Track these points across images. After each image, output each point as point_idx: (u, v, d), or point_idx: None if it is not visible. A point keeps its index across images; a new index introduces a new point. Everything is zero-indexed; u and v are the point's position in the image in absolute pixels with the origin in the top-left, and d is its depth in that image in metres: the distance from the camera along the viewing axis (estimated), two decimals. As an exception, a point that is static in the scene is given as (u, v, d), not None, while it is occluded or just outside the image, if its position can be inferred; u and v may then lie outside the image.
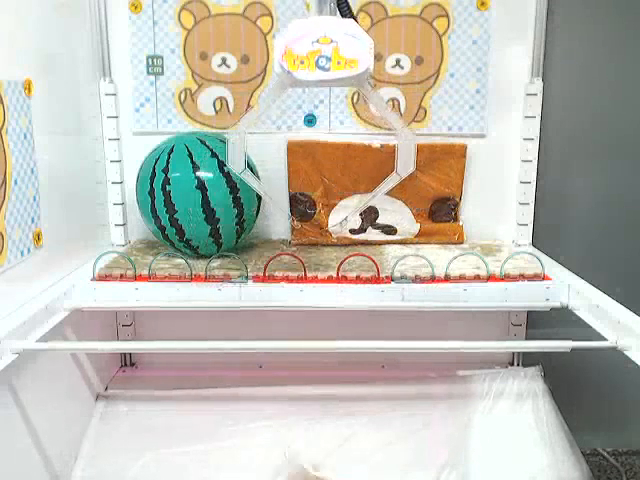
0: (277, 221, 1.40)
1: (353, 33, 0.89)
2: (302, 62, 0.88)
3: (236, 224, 1.21)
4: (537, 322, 1.44)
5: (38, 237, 1.05)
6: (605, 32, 1.36)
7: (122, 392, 1.35)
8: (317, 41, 0.88)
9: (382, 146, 1.34)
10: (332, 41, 0.88)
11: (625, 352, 0.90)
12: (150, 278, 1.14)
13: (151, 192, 1.18)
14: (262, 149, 1.33)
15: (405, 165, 0.98)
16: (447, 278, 1.15)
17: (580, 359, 1.41)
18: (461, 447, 1.24)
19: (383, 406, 1.31)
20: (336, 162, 1.36)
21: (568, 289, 1.12)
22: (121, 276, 1.15)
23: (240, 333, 1.32)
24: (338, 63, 0.88)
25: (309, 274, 1.15)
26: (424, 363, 1.39)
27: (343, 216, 1.39)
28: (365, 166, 1.36)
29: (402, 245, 1.37)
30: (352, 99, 1.35)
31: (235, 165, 0.99)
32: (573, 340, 0.92)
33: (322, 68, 0.88)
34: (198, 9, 1.30)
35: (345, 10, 0.94)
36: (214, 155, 1.18)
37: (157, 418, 1.28)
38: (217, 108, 1.35)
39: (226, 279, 1.14)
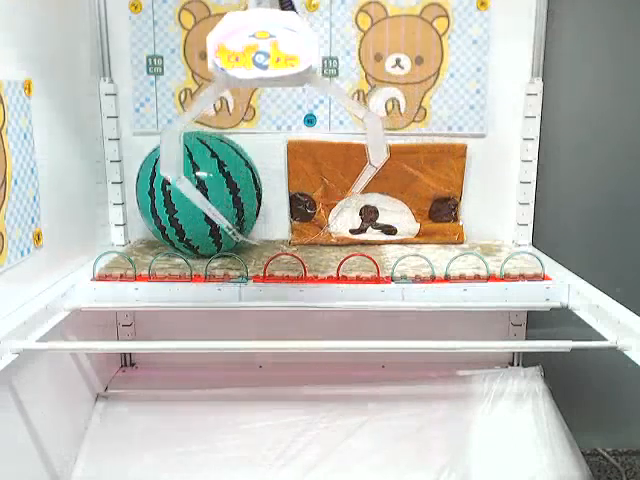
0: (277, 221, 1.40)
1: (294, 27, 0.80)
2: (237, 59, 0.79)
3: (236, 224, 1.21)
4: (537, 322, 1.44)
5: (38, 237, 1.05)
6: (605, 32, 1.36)
7: (122, 392, 1.35)
8: (253, 35, 0.79)
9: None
10: (270, 36, 0.79)
11: (625, 352, 0.90)
12: (150, 278, 1.14)
13: (151, 192, 1.18)
14: (262, 149, 1.33)
15: (377, 154, 0.91)
16: (447, 278, 1.15)
17: (580, 359, 1.42)
18: (461, 447, 1.24)
19: (383, 406, 1.31)
20: (336, 162, 1.36)
21: (568, 289, 1.12)
22: (121, 276, 1.15)
23: (240, 333, 1.32)
24: (277, 60, 0.79)
25: (309, 274, 1.15)
26: (424, 363, 1.39)
27: (343, 216, 1.39)
28: (365, 166, 1.35)
29: (402, 245, 1.37)
30: (352, 99, 1.35)
31: (168, 170, 0.85)
32: (573, 340, 0.92)
33: (260, 65, 0.79)
34: (198, 9, 1.30)
35: (286, 2, 0.86)
36: (214, 155, 1.18)
37: (157, 418, 1.28)
38: (217, 108, 1.35)
39: (226, 279, 1.14)
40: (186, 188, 0.89)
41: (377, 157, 0.90)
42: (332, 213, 1.38)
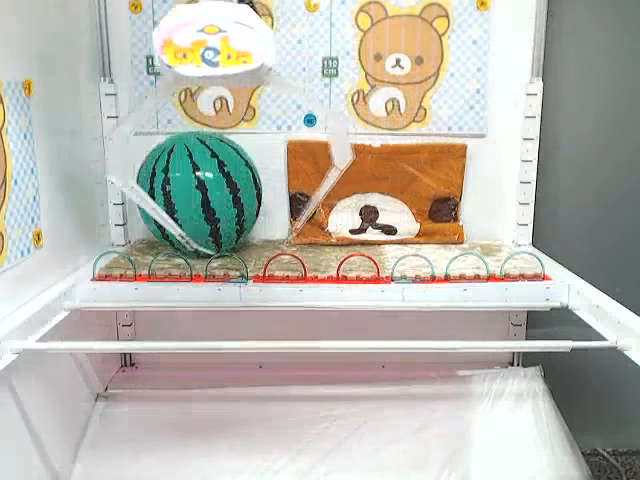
0: (277, 221, 1.40)
1: (246, 21, 0.75)
2: (185, 55, 0.74)
3: (236, 224, 1.21)
4: (537, 322, 1.44)
5: (38, 237, 1.05)
6: (605, 32, 1.36)
7: (122, 392, 1.35)
8: (202, 30, 0.74)
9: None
10: (220, 31, 0.74)
11: (625, 352, 0.90)
12: (150, 278, 1.14)
13: (151, 192, 1.18)
14: (262, 149, 1.33)
15: (342, 156, 0.86)
16: (447, 278, 1.15)
17: (580, 359, 1.42)
18: (461, 447, 1.24)
19: (383, 406, 1.31)
20: (336, 162, 1.36)
21: (568, 289, 1.12)
22: (121, 276, 1.15)
23: (240, 333, 1.32)
24: (228, 57, 0.74)
25: (309, 274, 1.15)
26: (424, 363, 1.40)
27: (343, 216, 1.39)
28: (365, 166, 1.36)
29: (402, 245, 1.37)
30: (352, 99, 1.35)
31: (116, 174, 0.81)
32: (573, 340, 0.92)
33: (209, 62, 0.74)
34: (198, 9, 1.30)
35: None
36: (214, 155, 1.18)
37: (157, 418, 1.28)
38: (217, 108, 1.35)
39: (226, 279, 1.14)
40: (134, 193, 0.85)
41: (341, 159, 0.86)
42: (336, 213, 1.38)
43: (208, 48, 0.74)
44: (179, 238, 0.94)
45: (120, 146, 0.80)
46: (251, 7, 0.78)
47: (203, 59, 0.74)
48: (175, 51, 0.74)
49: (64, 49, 1.17)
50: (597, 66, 1.38)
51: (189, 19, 0.75)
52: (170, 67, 0.74)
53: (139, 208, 1.23)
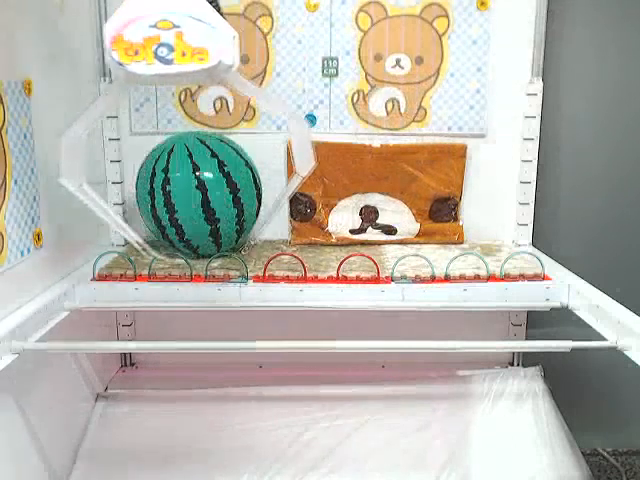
0: (277, 221, 1.40)
1: (202, 16, 0.70)
2: (137, 52, 0.69)
3: (236, 224, 1.21)
4: (537, 322, 1.44)
5: (38, 237, 1.05)
6: (605, 32, 1.36)
7: (122, 392, 1.35)
8: (154, 25, 0.70)
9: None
10: (174, 26, 0.70)
11: (625, 352, 0.90)
12: (150, 278, 1.14)
13: (151, 192, 1.18)
14: (262, 149, 1.33)
15: (303, 162, 0.82)
16: (447, 278, 1.15)
17: (580, 359, 1.42)
18: (461, 447, 1.24)
19: (383, 406, 1.31)
20: (336, 162, 1.36)
21: (568, 289, 1.12)
22: (121, 276, 1.15)
23: (240, 333, 1.32)
24: (183, 54, 0.70)
25: (309, 274, 1.15)
26: (424, 363, 1.40)
27: (343, 216, 1.39)
28: (365, 166, 1.36)
29: (402, 245, 1.37)
30: (352, 99, 1.35)
31: (69, 176, 0.77)
32: (573, 340, 0.92)
33: (163, 60, 0.70)
34: (198, 9, 1.30)
35: None
36: (214, 155, 1.18)
37: (157, 418, 1.28)
38: (217, 108, 1.35)
39: (226, 279, 1.14)
40: (88, 197, 0.81)
41: (303, 165, 0.81)
42: (336, 213, 1.38)
43: (161, 44, 0.70)
44: (136, 245, 0.91)
45: (72, 147, 0.76)
46: (214, 6, 0.74)
47: (156, 56, 0.70)
48: (126, 48, 0.70)
49: (64, 49, 1.17)
50: (597, 66, 1.38)
51: (141, 13, 0.70)
52: (121, 65, 0.70)
53: (139, 208, 1.23)
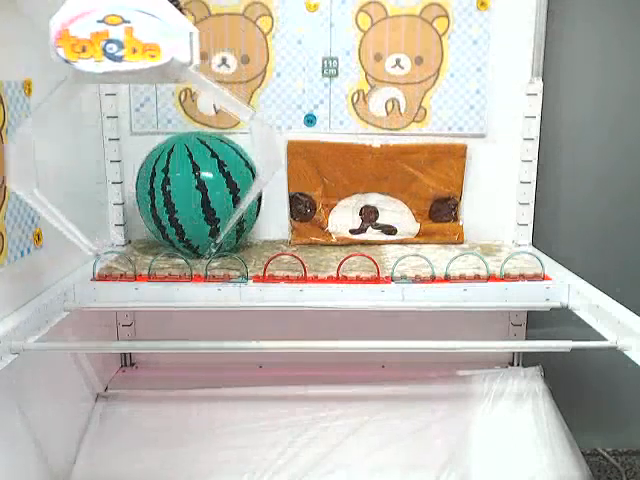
0: (277, 221, 1.40)
1: (154, 11, 0.66)
2: (84, 49, 0.66)
3: (236, 224, 1.21)
4: (537, 322, 1.44)
5: (38, 237, 1.05)
6: (605, 32, 1.37)
7: (122, 392, 1.35)
8: (103, 20, 0.66)
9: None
10: (124, 21, 0.66)
11: (625, 352, 0.90)
12: (150, 278, 1.14)
13: (151, 192, 1.18)
14: (262, 149, 1.33)
15: (268, 166, 0.78)
16: (447, 278, 1.14)
17: (580, 359, 1.41)
18: (461, 447, 1.24)
19: (383, 406, 1.31)
20: (336, 162, 1.36)
21: (568, 289, 1.12)
22: (121, 276, 1.15)
23: (240, 333, 1.32)
24: (133, 51, 0.66)
25: (309, 274, 1.15)
26: (424, 363, 1.39)
27: (343, 216, 1.39)
28: (365, 166, 1.36)
29: (402, 245, 1.37)
30: (352, 99, 1.35)
31: (18, 183, 0.73)
32: (573, 340, 0.92)
33: (112, 57, 0.66)
34: (198, 9, 1.30)
35: None
36: (214, 155, 1.18)
37: (157, 418, 1.28)
38: (217, 108, 1.35)
39: (226, 279, 1.14)
40: (38, 203, 0.77)
41: (267, 169, 0.77)
42: (335, 213, 1.38)
43: (110, 41, 0.66)
44: (86, 251, 0.88)
45: (21, 150, 0.72)
46: (175, 5, 0.71)
47: (105, 53, 0.67)
48: (73, 44, 0.66)
49: (64, 49, 1.17)
50: (597, 66, 1.38)
51: (88, 7, 0.66)
52: (68, 62, 0.66)
53: (139, 208, 1.23)
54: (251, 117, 0.75)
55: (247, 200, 0.85)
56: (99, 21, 0.66)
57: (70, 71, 0.67)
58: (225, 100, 0.77)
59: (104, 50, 0.66)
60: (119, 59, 0.67)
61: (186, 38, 0.68)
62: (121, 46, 0.66)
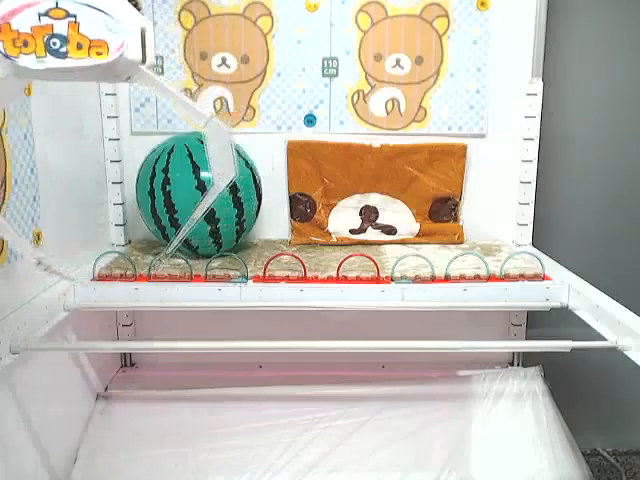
0: (277, 221, 1.40)
1: (101, 5, 0.63)
2: (25, 43, 0.62)
3: (236, 224, 1.21)
4: (537, 322, 1.44)
5: (38, 237, 1.05)
6: (605, 32, 1.37)
7: (122, 392, 1.35)
8: (46, 14, 0.63)
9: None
10: (68, 14, 0.63)
11: (625, 352, 0.90)
12: (150, 278, 1.14)
13: (151, 192, 1.18)
14: (262, 149, 1.33)
15: (222, 172, 0.75)
16: (447, 278, 1.14)
17: (580, 359, 1.42)
18: (461, 447, 1.24)
19: (383, 406, 1.31)
20: (336, 162, 1.36)
21: (568, 289, 1.12)
22: (121, 276, 1.15)
23: (240, 333, 1.32)
24: (78, 47, 0.63)
25: (309, 274, 1.15)
26: (424, 363, 1.39)
27: (343, 216, 1.39)
28: (365, 166, 1.36)
29: (402, 245, 1.37)
30: (352, 99, 1.35)
31: None
32: (573, 340, 0.92)
33: (55, 53, 0.63)
34: (198, 9, 1.30)
35: None
36: (214, 155, 1.18)
37: (157, 418, 1.28)
38: (217, 108, 1.35)
39: (226, 279, 1.14)
40: None
41: (223, 176, 0.74)
42: (336, 213, 1.38)
43: (54, 35, 0.63)
44: (33, 260, 0.84)
45: None
46: (133, 4, 0.67)
47: (48, 49, 0.63)
48: (14, 38, 0.62)
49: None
50: (597, 66, 1.38)
51: (29, 0, 0.63)
52: (8, 57, 0.62)
53: (139, 208, 1.23)
54: (205, 123, 0.72)
55: (200, 209, 0.82)
56: (42, 14, 0.63)
57: (10, 67, 0.63)
58: (180, 103, 0.74)
59: (47, 45, 0.63)
60: (63, 55, 0.63)
61: (137, 35, 0.64)
62: (65, 41, 0.63)
